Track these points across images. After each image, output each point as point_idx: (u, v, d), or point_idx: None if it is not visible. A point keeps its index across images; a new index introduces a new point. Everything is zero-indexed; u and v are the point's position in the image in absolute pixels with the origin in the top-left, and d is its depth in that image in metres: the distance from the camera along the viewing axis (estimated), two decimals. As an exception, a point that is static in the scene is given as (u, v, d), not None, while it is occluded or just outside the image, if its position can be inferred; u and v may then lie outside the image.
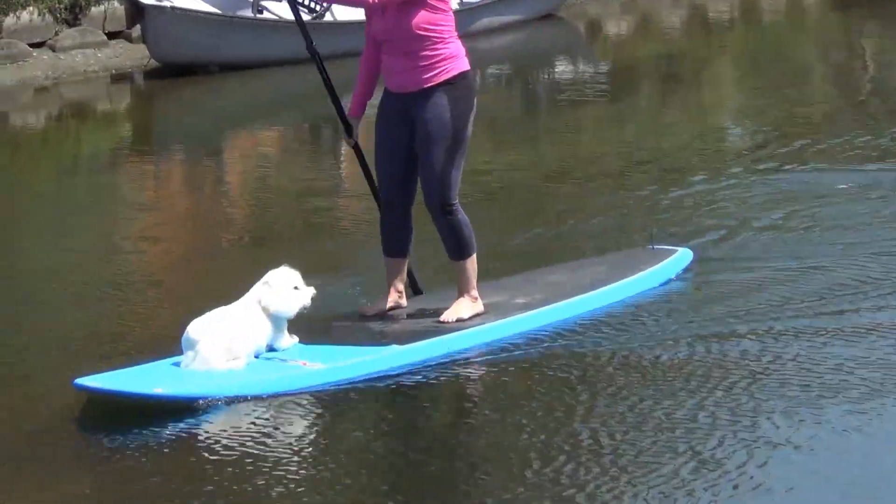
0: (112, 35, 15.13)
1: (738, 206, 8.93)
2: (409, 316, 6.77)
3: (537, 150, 12.16)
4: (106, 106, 14.53)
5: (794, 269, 7.42)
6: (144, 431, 5.57)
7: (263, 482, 5.15)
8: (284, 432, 5.64)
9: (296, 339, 6.36)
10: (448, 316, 6.52)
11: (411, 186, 6.64)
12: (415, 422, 5.93)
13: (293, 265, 6.78)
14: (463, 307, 6.55)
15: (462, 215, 6.57)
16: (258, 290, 6.18)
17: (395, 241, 6.71)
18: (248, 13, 14.33)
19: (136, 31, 14.82)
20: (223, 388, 5.86)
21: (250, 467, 5.28)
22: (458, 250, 6.56)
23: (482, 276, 6.92)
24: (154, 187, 11.68)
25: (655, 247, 7.59)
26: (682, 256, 7.54)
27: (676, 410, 5.64)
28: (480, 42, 16.59)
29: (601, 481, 4.99)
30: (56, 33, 15.26)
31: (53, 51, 15.13)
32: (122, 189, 11.24)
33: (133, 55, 14.91)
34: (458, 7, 16.20)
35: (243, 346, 6.04)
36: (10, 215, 10.31)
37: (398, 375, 6.11)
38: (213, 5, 14.12)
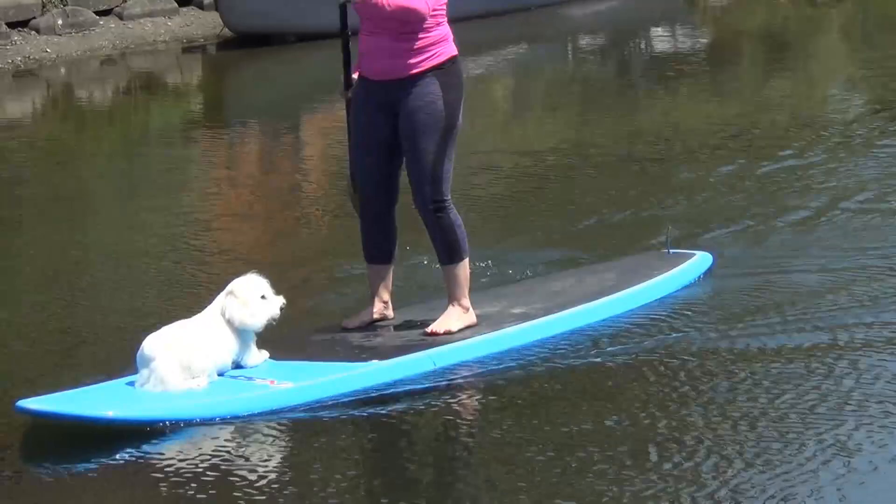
0: (183, 2, 15.35)
1: (830, 185, 8.76)
2: (395, 328, 6.58)
3: (619, 123, 12.00)
4: (176, 78, 14.74)
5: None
6: (94, 459, 5.42)
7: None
8: (247, 460, 5.47)
9: (266, 354, 6.15)
10: (436, 327, 6.34)
11: (394, 184, 6.44)
12: (395, 447, 5.72)
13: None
14: (453, 318, 6.35)
15: (454, 214, 6.37)
16: (221, 301, 5.99)
17: (378, 246, 6.52)
18: (327, -21, 14.88)
19: (209, -2, 16.02)
20: (182, 411, 5.70)
21: (209, 498, 5.14)
22: (449, 254, 6.35)
23: (482, 282, 7.03)
24: (229, 163, 11.87)
25: (672, 251, 7.44)
26: (700, 261, 7.36)
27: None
28: (574, 9, 16.71)
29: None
30: (124, 0, 15.51)
31: (121, 19, 15.36)
32: (196, 165, 11.43)
33: (205, 24, 15.05)
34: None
35: (204, 364, 5.88)
36: (81, 194, 10.40)
37: (378, 395, 5.88)
38: (290, -29, 15.12)
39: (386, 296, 6.58)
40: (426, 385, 6.01)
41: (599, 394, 6.02)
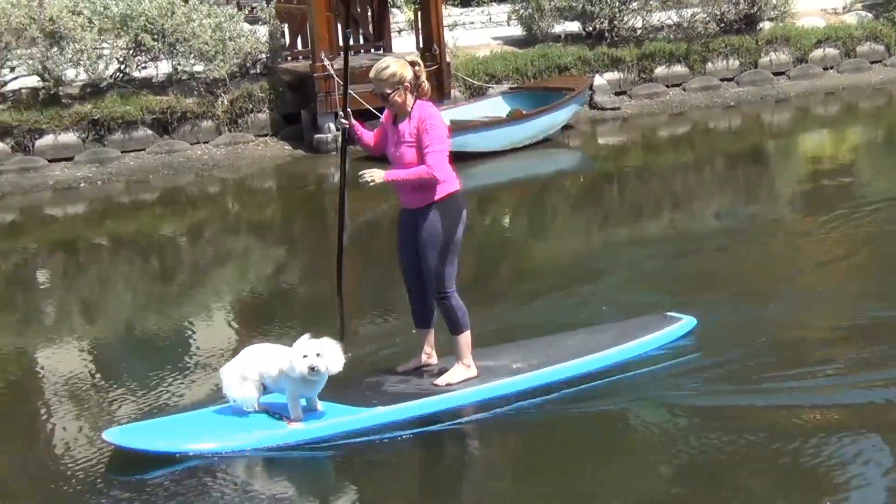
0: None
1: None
2: (420, 376, 6.39)
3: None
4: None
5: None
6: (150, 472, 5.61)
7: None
8: (248, 483, 5.59)
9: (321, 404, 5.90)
10: (440, 380, 6.29)
11: (424, 276, 6.21)
12: (366, 478, 5.70)
13: None
14: (456, 373, 6.31)
15: (455, 301, 6.22)
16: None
17: (419, 316, 6.50)
18: None
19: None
20: (221, 446, 5.69)
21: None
22: (452, 328, 6.32)
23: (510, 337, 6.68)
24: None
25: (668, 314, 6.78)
26: (686, 324, 6.85)
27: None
28: None
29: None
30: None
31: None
32: None
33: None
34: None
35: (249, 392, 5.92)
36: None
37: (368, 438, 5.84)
38: None
39: (429, 349, 6.48)
40: (410, 428, 5.94)
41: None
